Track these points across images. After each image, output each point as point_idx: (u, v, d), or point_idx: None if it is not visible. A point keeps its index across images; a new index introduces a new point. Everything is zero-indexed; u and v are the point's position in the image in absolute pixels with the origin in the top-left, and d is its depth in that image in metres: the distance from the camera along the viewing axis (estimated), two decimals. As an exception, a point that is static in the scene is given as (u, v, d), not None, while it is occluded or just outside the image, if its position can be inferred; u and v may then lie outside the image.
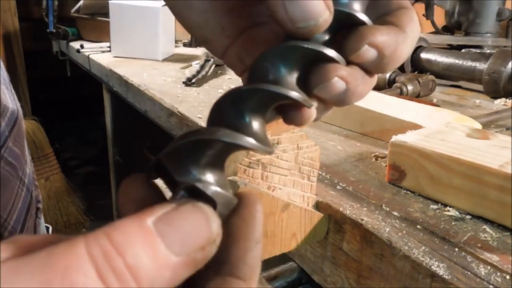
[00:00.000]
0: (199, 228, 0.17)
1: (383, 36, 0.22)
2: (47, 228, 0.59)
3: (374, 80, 0.25)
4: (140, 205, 0.20)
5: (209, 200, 0.19)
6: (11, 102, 0.48)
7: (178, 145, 0.19)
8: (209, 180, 0.19)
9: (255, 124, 0.21)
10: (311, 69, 0.22)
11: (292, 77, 0.22)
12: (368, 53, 0.22)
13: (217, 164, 0.20)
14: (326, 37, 0.22)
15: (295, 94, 0.21)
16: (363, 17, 0.22)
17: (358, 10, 0.22)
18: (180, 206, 0.17)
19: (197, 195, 0.19)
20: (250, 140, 0.19)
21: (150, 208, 0.17)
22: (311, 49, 0.21)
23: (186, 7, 0.25)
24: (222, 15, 0.25)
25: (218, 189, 0.19)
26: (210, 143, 0.19)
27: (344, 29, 0.23)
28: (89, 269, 0.15)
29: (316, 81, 0.22)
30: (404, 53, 0.23)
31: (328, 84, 0.22)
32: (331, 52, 0.22)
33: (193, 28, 0.26)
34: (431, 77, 0.87)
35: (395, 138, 0.46)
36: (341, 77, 0.22)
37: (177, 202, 0.18)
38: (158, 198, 0.21)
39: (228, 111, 0.21)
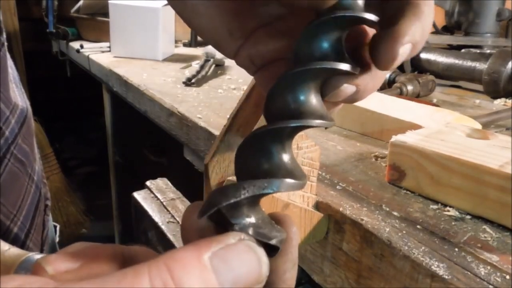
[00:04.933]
0: (251, 269, 0.18)
1: (410, 30, 0.22)
2: (55, 227, 0.59)
3: (386, 72, 0.25)
4: (201, 230, 0.22)
5: (272, 247, 0.21)
6: (21, 100, 0.49)
7: (237, 201, 0.20)
8: (255, 221, 0.21)
9: (286, 158, 0.22)
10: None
11: (311, 98, 0.22)
12: (404, 54, 0.22)
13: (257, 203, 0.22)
14: (336, 42, 0.22)
15: (317, 122, 0.22)
16: (368, 16, 0.22)
17: (362, 9, 0.22)
18: (235, 244, 0.19)
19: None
20: (284, 185, 0.21)
21: (208, 240, 0.18)
22: (327, 68, 0.22)
23: (194, 14, 0.26)
24: (229, 19, 0.26)
25: (278, 234, 0.22)
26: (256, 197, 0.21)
27: (351, 28, 0.23)
28: None
29: (327, 90, 0.23)
30: (429, 24, 0.23)
31: (338, 91, 0.23)
32: (345, 66, 0.22)
33: (203, 34, 0.27)
34: (431, 77, 0.87)
35: (395, 138, 0.46)
36: (351, 83, 0.23)
37: (232, 238, 0.19)
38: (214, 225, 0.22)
39: (251, 159, 0.22)
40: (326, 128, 0.22)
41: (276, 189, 0.21)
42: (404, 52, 0.22)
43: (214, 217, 0.21)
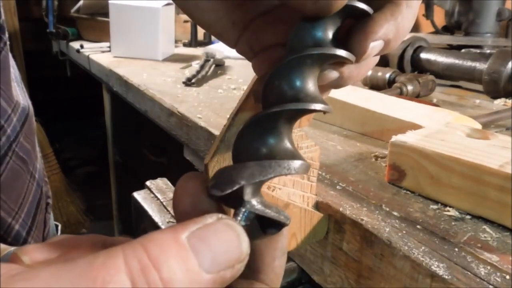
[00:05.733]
0: (230, 247, 0.18)
1: (382, 28, 0.23)
2: (56, 226, 0.60)
3: (374, 60, 0.25)
4: (194, 198, 0.22)
5: (279, 224, 0.22)
6: (22, 98, 0.49)
7: (256, 182, 0.21)
8: (261, 201, 0.22)
9: (290, 142, 0.23)
10: None
11: (309, 84, 0.23)
12: (374, 49, 0.23)
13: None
14: (332, 31, 0.22)
15: (319, 106, 0.22)
16: (362, 5, 0.22)
17: None
18: (213, 223, 0.18)
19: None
20: (292, 166, 0.22)
21: (185, 222, 0.18)
22: (321, 54, 0.22)
23: (196, 8, 0.26)
24: (232, 11, 0.26)
25: (285, 213, 0.22)
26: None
27: (346, 18, 0.23)
28: (125, 282, 0.15)
29: None
30: (407, 26, 0.24)
31: (321, 74, 0.23)
32: (342, 52, 0.22)
33: (206, 26, 0.27)
34: (431, 77, 0.87)
35: (395, 138, 0.46)
36: (335, 69, 0.23)
37: (210, 218, 0.18)
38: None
39: (255, 141, 0.22)
40: (324, 113, 0.23)
41: (295, 171, 0.21)
42: (375, 47, 0.23)
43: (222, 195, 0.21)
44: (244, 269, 0.19)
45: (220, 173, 0.21)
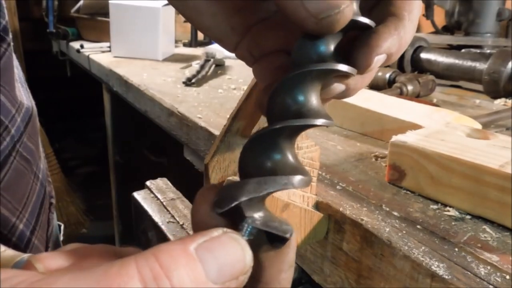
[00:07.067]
0: (235, 258, 0.19)
1: (386, 42, 0.23)
2: (59, 226, 0.60)
3: (374, 71, 0.26)
4: (211, 210, 0.23)
5: (282, 238, 0.23)
6: (26, 99, 0.49)
7: (256, 197, 0.22)
8: (264, 215, 0.23)
9: (292, 156, 0.23)
10: None
11: (313, 99, 0.23)
12: (378, 63, 0.23)
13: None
14: (335, 45, 0.23)
15: (321, 121, 0.22)
16: (365, 20, 0.23)
17: (358, 13, 0.22)
18: (219, 236, 0.19)
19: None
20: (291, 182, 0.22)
21: (193, 235, 0.19)
22: (322, 69, 0.22)
23: (196, 12, 0.26)
24: (231, 16, 0.26)
25: (288, 227, 0.23)
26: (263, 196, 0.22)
27: (348, 32, 0.23)
28: None
29: None
30: (408, 39, 0.24)
31: (328, 89, 0.24)
32: (344, 67, 0.22)
33: (205, 30, 0.27)
34: (431, 77, 0.87)
35: (395, 138, 0.46)
36: (341, 82, 0.24)
37: (216, 232, 0.19)
38: None
39: (258, 157, 0.23)
40: (327, 126, 0.23)
41: (293, 186, 0.22)
42: (378, 60, 0.23)
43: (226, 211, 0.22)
44: (251, 281, 0.20)
45: (224, 190, 0.22)
